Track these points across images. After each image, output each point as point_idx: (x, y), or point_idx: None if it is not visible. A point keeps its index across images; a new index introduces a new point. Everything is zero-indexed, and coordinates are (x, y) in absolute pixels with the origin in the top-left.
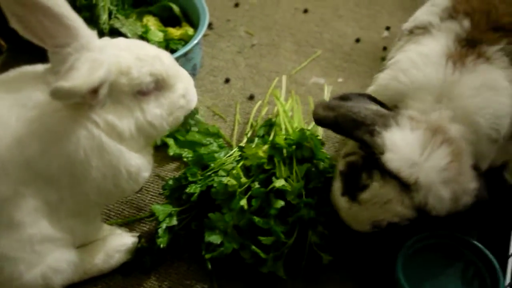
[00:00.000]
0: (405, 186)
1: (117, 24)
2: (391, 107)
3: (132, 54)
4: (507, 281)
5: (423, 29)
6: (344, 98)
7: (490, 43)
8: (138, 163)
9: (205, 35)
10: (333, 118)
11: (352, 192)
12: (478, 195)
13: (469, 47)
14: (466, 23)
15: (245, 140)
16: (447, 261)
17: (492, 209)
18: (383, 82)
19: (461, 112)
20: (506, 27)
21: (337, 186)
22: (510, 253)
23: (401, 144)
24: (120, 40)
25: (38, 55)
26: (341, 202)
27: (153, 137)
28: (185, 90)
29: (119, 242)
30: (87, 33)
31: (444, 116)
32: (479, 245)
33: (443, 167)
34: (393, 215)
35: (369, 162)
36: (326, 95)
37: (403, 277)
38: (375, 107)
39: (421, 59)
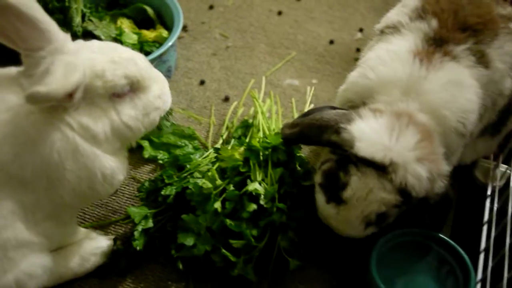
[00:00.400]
0: (382, 170)
1: (90, 27)
2: (359, 104)
3: (106, 57)
4: (479, 276)
5: (393, 29)
6: (305, 114)
7: (457, 42)
8: (113, 165)
9: (180, 38)
10: (299, 131)
11: (336, 196)
12: (448, 188)
13: (436, 46)
14: (434, 22)
15: (220, 141)
16: (420, 258)
17: (464, 207)
18: (352, 79)
19: (427, 106)
20: (473, 27)
21: (319, 198)
22: (481, 249)
23: (368, 132)
24: (94, 42)
25: (11, 57)
26: (328, 210)
27: (129, 139)
28: (160, 91)
29: (95, 245)
30: (61, 36)
31: (411, 106)
32: (451, 242)
33: (415, 146)
34: (379, 204)
35: (343, 162)
36: (308, 97)
37: (377, 275)
38: (338, 111)
39: (389, 56)
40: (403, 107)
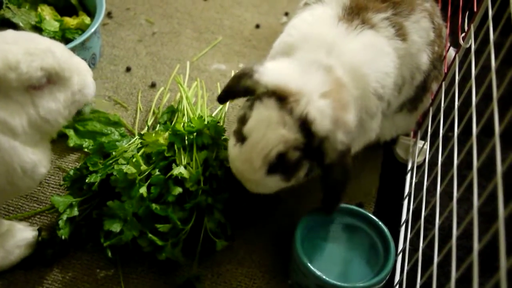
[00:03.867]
0: (284, 100)
1: (8, 14)
2: None
3: (21, 48)
4: (400, 247)
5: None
6: None
7: (375, 11)
8: (34, 159)
9: (104, 24)
10: (226, 86)
11: (240, 136)
12: (347, 152)
13: (354, 14)
14: None
15: (146, 128)
16: (343, 234)
17: (386, 183)
18: (276, 42)
19: (348, 65)
20: (392, 0)
21: (230, 143)
22: (402, 222)
23: (277, 67)
24: (9, 33)
25: None
26: (233, 152)
27: (49, 132)
28: (81, 83)
29: (19, 237)
30: None
31: (332, 62)
32: (373, 217)
33: (322, 83)
34: (278, 141)
35: (253, 103)
36: None
37: (301, 250)
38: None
39: (313, 18)
40: (324, 61)
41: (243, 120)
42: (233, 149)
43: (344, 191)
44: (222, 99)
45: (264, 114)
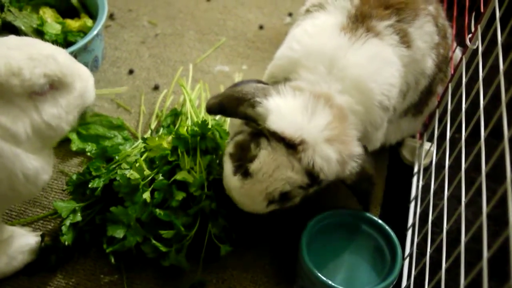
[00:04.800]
0: (292, 148)
1: (9, 17)
2: (281, 80)
3: (24, 54)
4: (407, 251)
5: (319, 6)
6: (234, 85)
7: (379, 19)
8: (36, 165)
9: (107, 26)
10: (219, 102)
11: (243, 168)
12: (364, 167)
13: (358, 22)
14: (356, 0)
15: (149, 131)
16: (349, 238)
17: (392, 186)
18: (278, 54)
19: (351, 82)
20: (395, 6)
21: (227, 168)
22: (408, 225)
23: (283, 107)
24: (11, 38)
25: None
26: (233, 182)
27: (52, 138)
28: (83, 89)
29: (22, 242)
30: None
31: (333, 88)
32: (379, 221)
33: (326, 126)
34: (284, 182)
35: (256, 136)
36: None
37: (307, 257)
38: (258, 84)
39: (315, 29)
40: (324, 88)
41: (243, 148)
42: (232, 178)
43: (373, 189)
44: (213, 112)
45: (273, 156)
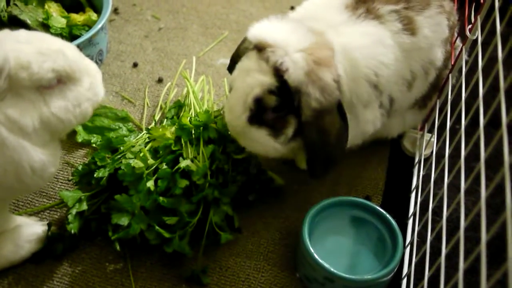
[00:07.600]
0: (261, 51)
1: (15, 11)
2: None
3: (33, 48)
4: (408, 239)
5: None
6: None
7: (384, 2)
8: (43, 158)
9: (111, 20)
10: (231, 57)
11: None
12: (327, 112)
13: (361, 2)
14: None
15: (153, 123)
16: (351, 226)
17: (394, 176)
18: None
19: (342, 48)
20: None
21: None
22: (410, 215)
23: (267, 24)
24: (21, 32)
25: None
26: (225, 101)
27: (59, 131)
28: (91, 84)
29: (29, 231)
30: None
31: (329, 33)
32: (380, 209)
33: (304, 41)
34: (255, 86)
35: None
36: None
37: (309, 243)
38: None
39: (322, 2)
40: (318, 28)
41: (230, 69)
42: (225, 103)
43: (324, 155)
44: (230, 67)
45: (245, 64)
